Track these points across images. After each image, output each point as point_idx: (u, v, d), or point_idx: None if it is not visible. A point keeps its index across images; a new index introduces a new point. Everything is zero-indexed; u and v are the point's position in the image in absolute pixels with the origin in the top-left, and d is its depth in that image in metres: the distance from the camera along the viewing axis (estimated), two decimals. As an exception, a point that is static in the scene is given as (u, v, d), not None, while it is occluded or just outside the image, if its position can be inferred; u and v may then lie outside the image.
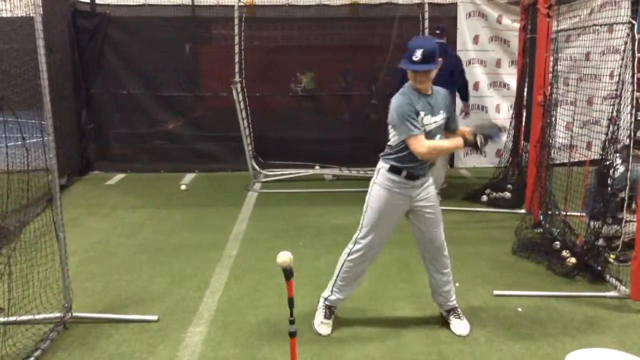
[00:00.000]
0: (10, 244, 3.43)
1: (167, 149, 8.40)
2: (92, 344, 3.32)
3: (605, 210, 4.23)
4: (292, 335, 2.53)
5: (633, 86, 3.98)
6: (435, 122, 3.18)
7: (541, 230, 5.10)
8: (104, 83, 8.16)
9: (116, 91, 8.17)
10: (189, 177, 7.97)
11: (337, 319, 3.53)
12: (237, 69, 7.21)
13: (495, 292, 3.99)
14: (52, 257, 3.55)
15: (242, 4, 7.43)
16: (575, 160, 5.27)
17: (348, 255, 3.40)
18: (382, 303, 3.87)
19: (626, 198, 4.36)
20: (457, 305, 3.53)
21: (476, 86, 7.95)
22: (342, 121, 8.75)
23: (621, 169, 4.43)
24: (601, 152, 4.25)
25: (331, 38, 8.66)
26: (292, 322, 2.50)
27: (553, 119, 5.05)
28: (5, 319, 3.19)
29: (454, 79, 6.20)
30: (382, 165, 3.28)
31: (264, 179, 7.65)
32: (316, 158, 8.03)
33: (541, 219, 5.18)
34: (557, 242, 4.65)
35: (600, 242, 4.39)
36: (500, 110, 8.14)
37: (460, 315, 3.50)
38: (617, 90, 4.12)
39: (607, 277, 4.11)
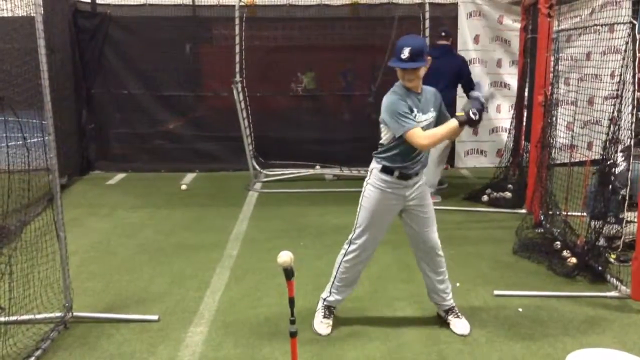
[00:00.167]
0: (11, 243, 3.43)
1: (167, 149, 8.40)
2: (93, 344, 3.32)
3: (606, 210, 4.22)
4: (293, 335, 2.53)
5: (634, 86, 3.98)
6: (426, 120, 3.18)
7: (542, 230, 5.09)
8: (104, 83, 8.16)
9: (117, 91, 8.17)
10: (189, 177, 7.97)
11: (337, 319, 3.54)
12: (237, 69, 7.21)
13: (496, 292, 3.99)
14: (53, 257, 3.55)
15: (242, 3, 7.43)
16: (576, 160, 5.27)
17: (344, 257, 3.41)
18: (382, 303, 3.87)
19: (627, 198, 4.36)
20: (454, 305, 3.53)
21: (477, 86, 7.95)
22: (342, 121, 8.75)
23: (623, 165, 4.44)
24: (602, 152, 4.25)
25: (332, 38, 8.66)
26: (292, 322, 2.51)
27: (554, 119, 5.05)
28: (6, 318, 3.19)
29: (461, 80, 6.23)
30: (375, 166, 3.29)
31: (265, 179, 7.65)
32: (317, 158, 8.04)
33: (542, 219, 5.18)
34: (558, 242, 4.65)
35: (601, 242, 4.39)
36: (501, 110, 8.14)
37: (459, 314, 3.50)
38: (618, 90, 4.12)
39: (608, 277, 4.11)
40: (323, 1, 8.06)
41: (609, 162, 4.20)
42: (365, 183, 3.35)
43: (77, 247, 4.85)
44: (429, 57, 3.13)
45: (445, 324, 3.50)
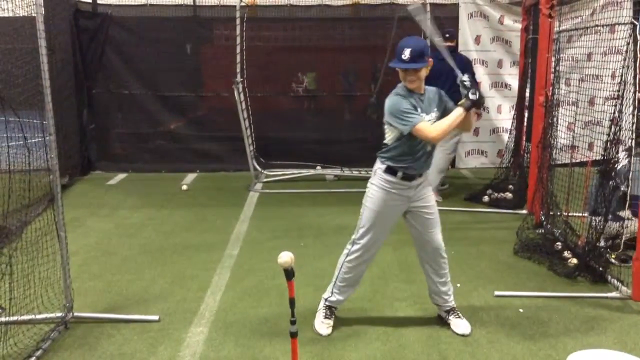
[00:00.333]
0: (12, 243, 3.43)
1: (168, 149, 8.41)
2: (94, 344, 3.32)
3: (607, 207, 4.22)
4: (294, 335, 2.53)
5: (635, 87, 3.97)
6: (430, 120, 3.19)
7: (543, 230, 5.09)
8: (105, 83, 8.17)
9: (118, 91, 8.18)
10: (190, 177, 7.98)
11: (338, 319, 3.53)
12: (238, 69, 7.21)
13: (497, 292, 3.99)
14: (54, 257, 3.55)
15: (243, 4, 7.43)
16: (577, 160, 5.27)
17: (346, 257, 3.41)
18: (383, 303, 3.87)
19: (628, 198, 4.35)
20: (455, 306, 3.53)
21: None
22: (343, 121, 8.76)
23: (624, 162, 4.44)
24: (603, 153, 4.25)
25: (333, 38, 8.66)
26: (293, 323, 2.50)
27: (555, 119, 5.04)
28: (7, 318, 3.20)
29: None
30: (379, 167, 3.29)
31: (265, 179, 7.65)
32: (317, 158, 8.04)
33: (543, 219, 5.18)
34: (559, 243, 4.65)
35: (602, 243, 4.39)
36: (501, 110, 8.14)
37: (460, 314, 3.50)
38: (619, 90, 4.11)
39: (609, 278, 4.10)
40: (324, 1, 8.07)
41: (611, 160, 4.20)
42: (369, 183, 3.35)
43: (77, 247, 4.85)
44: (430, 59, 3.14)
45: (446, 324, 3.50)
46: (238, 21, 7.15)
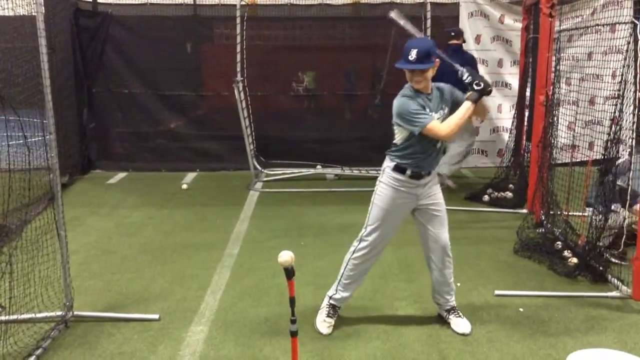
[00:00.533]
0: (12, 242, 3.44)
1: (168, 148, 8.41)
2: (94, 343, 3.32)
3: (607, 205, 4.23)
4: (294, 334, 2.53)
5: (635, 86, 3.97)
6: (439, 118, 3.21)
7: (543, 230, 5.09)
8: (105, 82, 8.16)
9: (118, 90, 8.18)
10: (190, 176, 7.98)
11: (339, 318, 3.53)
12: (238, 68, 7.21)
13: (497, 292, 3.98)
14: (54, 256, 3.55)
15: (243, 3, 7.42)
16: (577, 160, 5.27)
17: (353, 253, 3.41)
18: (383, 302, 3.87)
19: (629, 197, 4.35)
20: (455, 305, 3.53)
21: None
22: (343, 120, 8.75)
23: (624, 158, 4.45)
24: (603, 152, 4.25)
25: (333, 37, 8.65)
26: (293, 322, 2.50)
27: (555, 118, 5.04)
28: (7, 317, 3.20)
29: None
30: (388, 164, 3.30)
31: (266, 179, 7.65)
32: (318, 157, 8.04)
33: (543, 219, 5.17)
34: (559, 242, 4.65)
35: (602, 242, 4.39)
36: (502, 110, 8.13)
37: (460, 313, 3.50)
38: (619, 90, 4.11)
39: (609, 277, 4.10)
40: (324, 1, 8.07)
41: (611, 159, 4.20)
42: (377, 181, 3.36)
43: (77, 246, 4.85)
44: (437, 59, 3.14)
45: (446, 323, 3.50)
46: (238, 20, 7.15)
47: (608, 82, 4.90)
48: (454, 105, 3.27)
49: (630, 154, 4.41)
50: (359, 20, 8.34)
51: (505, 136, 7.59)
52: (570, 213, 4.91)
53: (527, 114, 6.43)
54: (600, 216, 4.19)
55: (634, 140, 4.30)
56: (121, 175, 8.05)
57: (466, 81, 3.22)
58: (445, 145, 3.33)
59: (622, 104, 4.06)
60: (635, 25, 3.96)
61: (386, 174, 3.29)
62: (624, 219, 4.44)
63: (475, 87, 3.17)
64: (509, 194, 6.37)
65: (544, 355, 3.18)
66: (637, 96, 3.97)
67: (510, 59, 8.05)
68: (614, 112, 4.12)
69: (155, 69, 8.10)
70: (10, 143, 3.25)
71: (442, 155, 3.36)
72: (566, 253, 4.47)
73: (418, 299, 3.86)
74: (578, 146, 5.27)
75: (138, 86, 8.16)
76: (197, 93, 8.39)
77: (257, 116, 7.81)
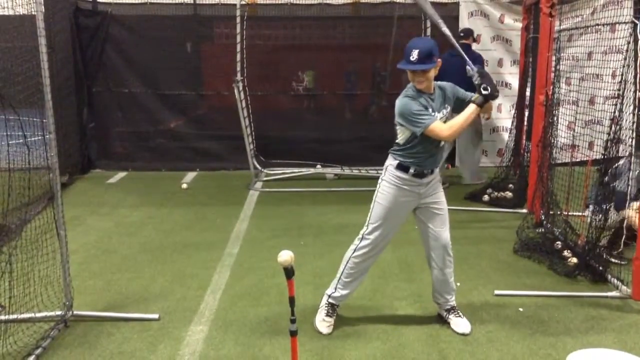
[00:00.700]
0: (12, 242, 3.43)
1: (168, 148, 8.41)
2: (93, 342, 3.32)
3: (603, 199, 4.23)
4: (293, 334, 2.53)
5: (635, 86, 3.97)
6: (442, 118, 3.22)
7: (543, 230, 5.09)
8: (105, 81, 8.16)
9: (118, 89, 8.18)
10: (190, 175, 7.98)
11: (338, 318, 3.53)
12: (238, 68, 7.21)
13: (497, 291, 3.98)
14: (53, 255, 3.55)
15: (244, 2, 7.42)
16: (577, 160, 5.27)
17: (354, 252, 3.41)
18: (383, 302, 3.87)
19: (628, 198, 4.35)
20: (455, 305, 3.53)
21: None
22: (343, 120, 8.76)
23: (624, 160, 4.45)
24: (603, 152, 4.25)
25: (333, 37, 8.65)
26: (293, 321, 2.50)
27: (555, 118, 5.04)
28: (6, 317, 3.20)
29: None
30: (390, 163, 3.30)
31: (266, 178, 7.65)
32: (317, 157, 8.03)
33: (543, 218, 5.17)
34: (559, 242, 4.65)
35: (602, 242, 4.40)
36: (502, 109, 8.13)
37: (460, 313, 3.50)
38: (619, 90, 4.11)
39: (609, 277, 4.10)
40: (324, 0, 8.06)
41: (611, 159, 4.21)
42: (380, 180, 3.36)
43: (77, 245, 4.85)
44: (439, 59, 3.14)
45: (445, 323, 3.50)
46: (238, 20, 7.14)
47: (608, 82, 4.89)
48: (457, 103, 3.28)
49: (630, 154, 4.41)
50: (359, 19, 8.34)
51: (505, 136, 7.59)
52: (570, 213, 4.91)
53: (527, 113, 6.43)
54: (600, 216, 4.20)
55: (634, 140, 4.30)
56: (121, 174, 8.04)
57: (475, 82, 3.22)
58: (448, 144, 3.34)
59: (622, 103, 4.06)
60: (635, 25, 3.95)
61: (389, 172, 3.30)
62: (624, 219, 4.44)
63: (483, 91, 3.16)
64: (509, 194, 6.37)
65: (544, 355, 3.18)
66: (637, 96, 3.97)
67: (510, 59, 8.05)
68: (614, 112, 4.12)
69: (155, 69, 8.10)
70: (10, 142, 3.25)
71: (443, 154, 3.36)
72: (566, 253, 4.47)
73: (418, 299, 3.86)
74: (578, 146, 5.28)
75: (138, 86, 8.16)
76: (197, 92, 8.39)
77: (257, 116, 7.81)
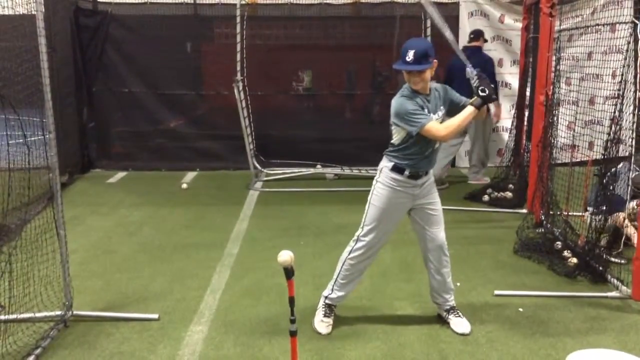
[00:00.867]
0: (11, 241, 3.43)
1: (168, 148, 8.40)
2: (93, 342, 3.31)
3: (603, 201, 4.24)
4: (293, 334, 2.53)
5: (635, 86, 3.97)
6: (437, 119, 3.21)
7: (543, 230, 5.09)
8: (105, 81, 8.16)
9: (118, 89, 8.17)
10: (190, 175, 7.97)
11: (338, 318, 3.53)
12: (238, 68, 7.21)
13: (496, 292, 3.98)
14: (53, 255, 3.55)
15: (244, 2, 7.42)
16: (577, 160, 5.27)
17: (349, 253, 3.41)
18: (382, 302, 3.87)
19: (628, 198, 4.35)
20: (455, 305, 3.53)
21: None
22: (343, 120, 8.76)
23: (623, 164, 4.46)
24: (603, 152, 4.25)
25: (333, 37, 8.65)
26: (292, 321, 2.50)
27: (555, 118, 5.04)
28: (6, 316, 3.20)
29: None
30: (385, 165, 3.29)
31: (266, 178, 7.65)
32: (318, 157, 8.03)
33: (543, 218, 5.17)
34: (559, 242, 4.65)
35: (602, 242, 4.40)
36: (502, 109, 8.12)
37: (460, 313, 3.50)
38: (619, 90, 4.11)
39: (609, 277, 4.10)
40: (324, 0, 8.06)
41: (611, 159, 4.21)
42: (374, 181, 3.36)
43: (77, 245, 4.85)
44: (435, 60, 3.14)
45: (445, 323, 3.50)
46: (238, 19, 7.14)
47: (608, 82, 4.89)
48: (452, 106, 3.28)
49: (631, 155, 4.41)
50: (359, 19, 8.34)
51: (505, 136, 7.59)
52: (570, 213, 4.91)
53: (527, 113, 6.43)
54: (600, 216, 4.20)
55: (634, 141, 4.30)
56: (121, 174, 8.04)
57: (474, 84, 3.23)
58: (439, 146, 3.34)
59: (622, 103, 4.06)
60: (635, 25, 3.95)
61: (384, 174, 3.29)
62: (624, 219, 4.44)
63: (480, 93, 3.17)
64: (509, 194, 6.37)
65: (544, 355, 3.18)
66: (637, 96, 3.97)
67: (510, 59, 8.05)
68: (614, 112, 4.12)
69: (155, 68, 8.09)
70: (10, 142, 3.25)
71: (436, 155, 3.37)
72: (566, 253, 4.46)
73: (418, 299, 3.86)
74: (578, 146, 5.27)
75: (138, 85, 8.16)
76: (197, 92, 8.39)
77: (257, 116, 7.80)
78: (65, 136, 7.10)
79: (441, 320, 3.54)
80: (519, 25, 6.96)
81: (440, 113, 3.24)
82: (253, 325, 3.54)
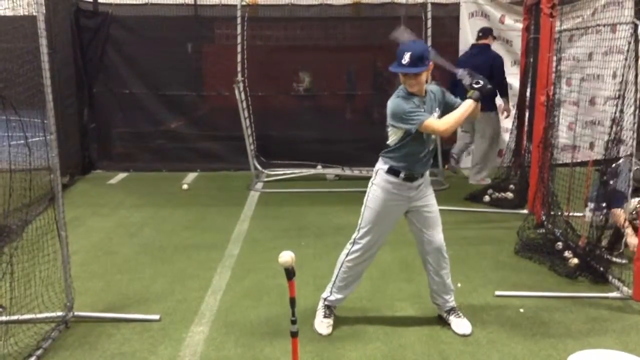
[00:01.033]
0: (13, 242, 3.43)
1: (169, 148, 8.41)
2: (94, 343, 3.32)
3: (603, 197, 4.23)
4: (294, 335, 2.53)
5: (636, 86, 3.97)
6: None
7: (544, 230, 5.08)
8: (106, 82, 8.17)
9: (118, 90, 8.17)
10: (190, 176, 7.98)
11: (338, 319, 3.53)
12: (239, 68, 7.21)
13: (497, 292, 3.98)
14: (54, 256, 3.55)
15: (244, 3, 7.42)
16: (578, 160, 5.26)
17: (347, 256, 3.41)
18: (383, 303, 3.87)
19: (629, 197, 4.35)
20: (455, 306, 3.53)
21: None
22: (344, 121, 8.75)
23: (623, 160, 4.46)
24: (604, 153, 4.24)
25: (334, 38, 8.65)
26: (293, 322, 2.51)
27: (556, 119, 5.04)
28: (7, 317, 3.20)
29: (493, 75, 6.44)
30: (381, 167, 3.30)
31: (266, 179, 7.65)
32: (318, 158, 8.02)
33: (544, 219, 5.17)
34: (560, 243, 4.64)
35: (603, 242, 4.40)
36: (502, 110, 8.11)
37: (460, 314, 3.50)
38: (620, 90, 4.11)
39: (610, 278, 4.10)
40: (325, 1, 8.06)
41: (612, 157, 4.22)
42: (370, 183, 3.36)
43: (78, 246, 4.85)
44: (432, 63, 3.15)
45: (446, 324, 3.50)
46: (239, 20, 7.14)
47: (609, 83, 4.89)
48: (446, 108, 3.28)
49: (631, 155, 4.41)
50: (359, 20, 8.34)
51: (506, 136, 7.57)
52: (571, 213, 4.90)
53: (527, 114, 6.43)
54: (601, 216, 4.20)
55: (634, 141, 4.30)
56: (122, 175, 8.05)
57: (466, 83, 3.25)
58: (436, 148, 3.35)
59: (622, 104, 4.06)
60: (636, 26, 3.96)
61: (379, 176, 3.30)
62: (624, 219, 4.44)
63: (475, 86, 3.20)
64: (510, 195, 6.36)
65: (545, 356, 3.18)
66: (637, 96, 3.97)
67: (510, 59, 8.02)
68: (615, 113, 4.11)
69: (156, 69, 8.10)
70: (11, 143, 3.25)
71: (432, 158, 3.38)
72: (567, 254, 4.46)
73: (418, 300, 3.86)
74: (579, 146, 5.27)
75: (139, 86, 8.16)
76: (198, 93, 8.39)
77: (258, 116, 7.80)
78: (66, 137, 7.11)
79: (442, 321, 3.54)
80: (520, 25, 6.96)
81: (436, 115, 3.23)
82: (254, 326, 3.54)
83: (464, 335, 3.38)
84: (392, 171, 3.24)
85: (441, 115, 3.25)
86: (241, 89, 7.15)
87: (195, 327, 3.53)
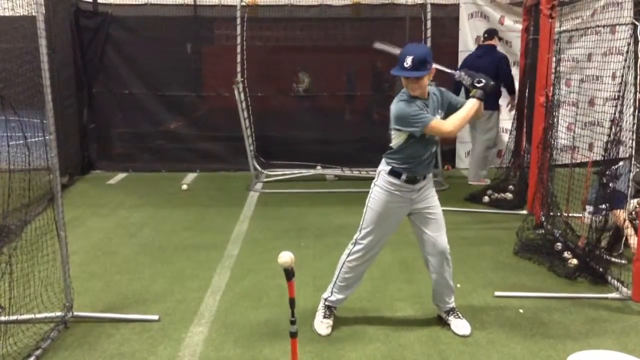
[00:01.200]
0: (12, 242, 3.43)
1: (168, 149, 8.41)
2: (93, 344, 3.32)
3: (603, 199, 4.23)
4: (293, 335, 2.53)
5: (635, 87, 3.97)
6: None
7: (543, 231, 5.08)
8: (106, 82, 8.17)
9: (118, 91, 8.18)
10: (190, 176, 7.98)
11: (338, 319, 3.53)
12: (239, 69, 7.21)
13: (497, 293, 3.98)
14: (53, 256, 3.55)
15: (244, 4, 7.42)
16: (577, 161, 5.27)
17: (348, 256, 3.41)
18: (383, 303, 3.87)
19: (629, 197, 4.36)
20: (455, 306, 3.53)
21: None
22: (343, 121, 8.76)
23: (622, 162, 4.46)
24: (603, 154, 4.25)
25: (334, 38, 8.66)
26: (293, 323, 2.50)
27: (555, 120, 5.04)
28: (6, 317, 3.19)
29: (499, 75, 6.60)
30: (383, 168, 3.30)
31: (266, 179, 7.65)
32: (318, 158, 8.03)
33: (543, 220, 5.17)
34: (559, 244, 4.65)
35: (603, 242, 4.40)
36: (502, 111, 8.11)
37: (460, 315, 3.50)
38: (619, 91, 4.11)
39: (609, 278, 4.10)
40: (325, 1, 8.07)
41: (611, 161, 4.22)
42: (372, 184, 3.36)
43: (77, 246, 4.85)
44: (434, 67, 3.15)
45: (446, 324, 3.50)
46: (239, 21, 7.15)
47: (608, 84, 4.90)
48: (450, 109, 3.28)
49: (631, 156, 4.41)
50: (359, 21, 8.34)
51: (505, 137, 7.58)
52: (570, 214, 4.91)
53: (527, 115, 6.43)
54: (600, 217, 4.20)
55: (634, 142, 4.30)
56: (121, 175, 8.04)
57: (467, 84, 3.25)
58: (436, 150, 3.36)
59: (622, 105, 4.06)
60: (635, 27, 3.95)
61: (381, 178, 3.30)
62: (624, 219, 4.44)
63: (477, 85, 3.20)
64: (509, 195, 6.37)
65: (544, 356, 3.18)
66: (637, 97, 3.97)
67: (510, 60, 8.03)
68: (614, 114, 4.12)
69: (155, 70, 8.10)
70: (11, 143, 3.25)
71: (434, 160, 3.38)
72: (566, 254, 4.46)
73: (418, 300, 3.86)
74: (578, 147, 5.27)
75: (138, 87, 8.17)
76: (198, 94, 8.39)
77: (258, 117, 7.81)
78: (65, 137, 7.11)
79: (441, 321, 3.54)
80: (519, 26, 6.97)
81: (439, 117, 3.23)
82: (253, 326, 3.54)
83: (463, 336, 3.38)
84: (394, 173, 3.24)
85: (445, 116, 3.26)
86: (241, 89, 7.15)
87: (195, 327, 3.53)
